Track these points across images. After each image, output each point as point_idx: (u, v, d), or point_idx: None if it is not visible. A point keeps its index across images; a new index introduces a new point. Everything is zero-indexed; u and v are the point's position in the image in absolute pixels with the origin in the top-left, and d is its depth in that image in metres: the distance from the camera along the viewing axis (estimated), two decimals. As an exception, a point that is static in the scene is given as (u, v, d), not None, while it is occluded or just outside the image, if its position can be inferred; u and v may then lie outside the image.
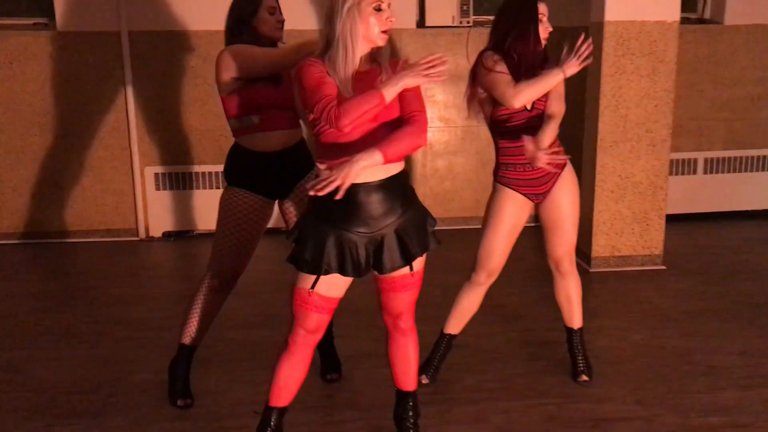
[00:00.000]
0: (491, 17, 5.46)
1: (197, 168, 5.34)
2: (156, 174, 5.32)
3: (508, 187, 2.94)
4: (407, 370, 2.51)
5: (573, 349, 3.15)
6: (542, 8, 2.86)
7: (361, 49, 2.21)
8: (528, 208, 2.99)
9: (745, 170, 5.71)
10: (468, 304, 3.09)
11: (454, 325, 3.13)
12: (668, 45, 4.33)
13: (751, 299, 4.06)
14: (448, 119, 5.48)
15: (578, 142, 4.69)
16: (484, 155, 5.46)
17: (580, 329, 3.15)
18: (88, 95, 5.18)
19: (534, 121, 2.86)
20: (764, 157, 5.71)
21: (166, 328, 3.58)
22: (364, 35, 2.18)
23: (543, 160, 2.69)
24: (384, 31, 2.21)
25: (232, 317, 3.72)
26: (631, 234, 4.57)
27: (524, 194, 2.94)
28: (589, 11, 4.50)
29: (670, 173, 5.54)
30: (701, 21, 5.64)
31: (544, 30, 2.87)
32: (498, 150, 2.96)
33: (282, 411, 2.41)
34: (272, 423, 2.40)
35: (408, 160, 5.49)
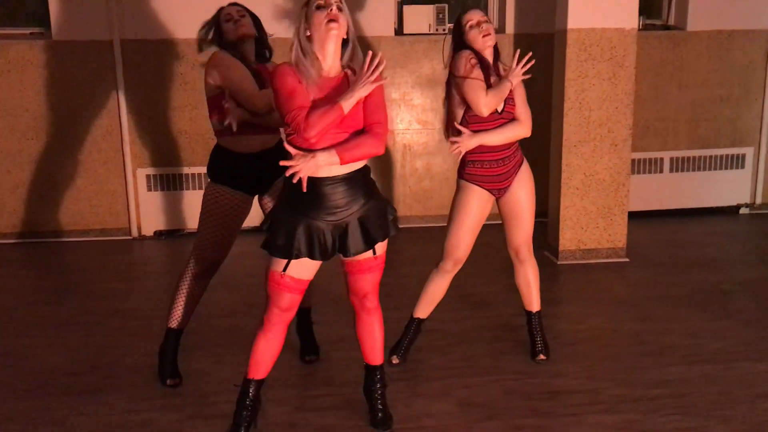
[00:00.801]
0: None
1: (187, 170, 5.60)
2: (147, 175, 5.58)
3: (473, 183, 3.21)
4: (374, 346, 2.78)
5: (532, 330, 3.42)
6: (470, 15, 3.11)
7: (320, 50, 2.44)
8: (491, 202, 3.26)
9: (709, 168, 6.01)
10: (435, 290, 3.35)
11: (423, 309, 3.39)
12: (627, 50, 4.62)
13: (706, 287, 4.35)
14: (425, 122, 5.76)
15: (545, 142, 4.98)
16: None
17: (539, 312, 3.42)
18: (83, 101, 5.43)
19: (502, 122, 3.14)
20: (727, 155, 6.01)
21: (157, 317, 3.82)
22: (318, 37, 2.42)
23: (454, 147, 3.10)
24: (330, 21, 2.39)
25: (218, 307, 4.00)
26: (596, 228, 4.85)
27: (488, 189, 3.21)
28: (554, 20, 4.80)
29: (638, 172, 5.86)
30: (666, 27, 5.94)
31: (478, 36, 3.08)
32: None
33: (259, 383, 2.67)
34: (250, 393, 2.65)
35: (387, 160, 5.76)
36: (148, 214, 5.64)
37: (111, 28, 5.31)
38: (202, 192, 5.52)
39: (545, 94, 5.05)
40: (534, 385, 3.14)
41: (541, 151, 5.10)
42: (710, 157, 6.00)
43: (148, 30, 5.38)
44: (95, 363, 3.41)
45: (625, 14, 4.59)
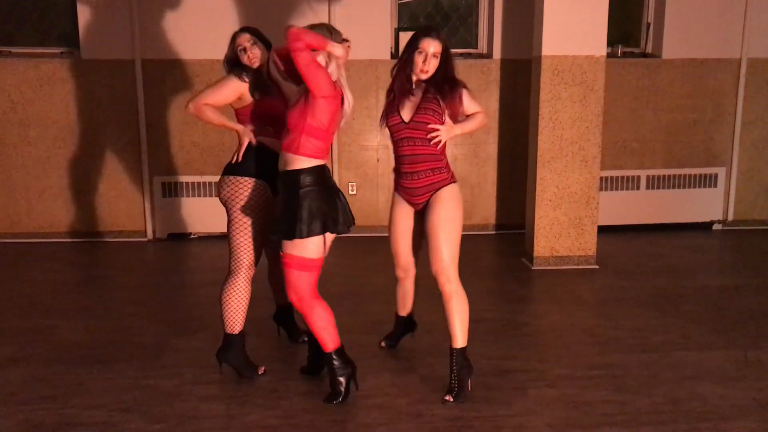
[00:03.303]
0: (458, 50, 6.28)
1: (199, 178, 6.12)
2: (163, 183, 6.12)
3: (396, 192, 3.45)
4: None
5: (450, 365, 3.21)
6: (425, 44, 3.11)
7: None
8: (412, 213, 3.37)
9: (684, 186, 6.44)
10: (402, 294, 3.71)
11: (401, 309, 3.80)
12: (597, 76, 5.09)
13: (662, 292, 4.78)
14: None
15: (523, 158, 5.45)
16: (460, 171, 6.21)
17: (460, 350, 3.21)
18: (106, 114, 6.00)
19: (410, 131, 3.22)
20: (701, 175, 6.44)
21: (164, 307, 4.37)
22: None
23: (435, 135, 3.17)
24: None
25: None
26: (568, 237, 5.29)
27: (405, 200, 3.37)
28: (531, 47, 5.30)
29: (615, 188, 6.30)
30: (643, 55, 6.41)
31: (419, 64, 3.13)
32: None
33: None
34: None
35: (385, 173, 6.24)
36: (163, 218, 6.17)
37: (133, 48, 5.88)
38: (211, 199, 6.11)
39: (523, 114, 5.53)
40: (488, 365, 3.58)
41: (519, 167, 5.56)
42: (685, 175, 6.43)
43: (166, 51, 5.94)
44: (110, 340, 3.91)
45: (595, 43, 5.07)
